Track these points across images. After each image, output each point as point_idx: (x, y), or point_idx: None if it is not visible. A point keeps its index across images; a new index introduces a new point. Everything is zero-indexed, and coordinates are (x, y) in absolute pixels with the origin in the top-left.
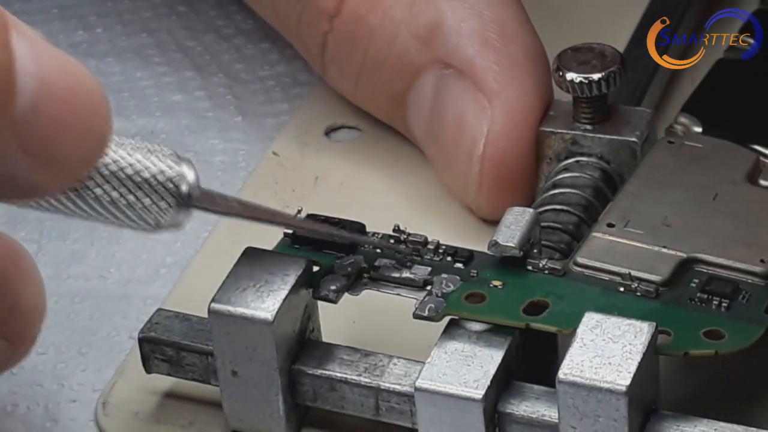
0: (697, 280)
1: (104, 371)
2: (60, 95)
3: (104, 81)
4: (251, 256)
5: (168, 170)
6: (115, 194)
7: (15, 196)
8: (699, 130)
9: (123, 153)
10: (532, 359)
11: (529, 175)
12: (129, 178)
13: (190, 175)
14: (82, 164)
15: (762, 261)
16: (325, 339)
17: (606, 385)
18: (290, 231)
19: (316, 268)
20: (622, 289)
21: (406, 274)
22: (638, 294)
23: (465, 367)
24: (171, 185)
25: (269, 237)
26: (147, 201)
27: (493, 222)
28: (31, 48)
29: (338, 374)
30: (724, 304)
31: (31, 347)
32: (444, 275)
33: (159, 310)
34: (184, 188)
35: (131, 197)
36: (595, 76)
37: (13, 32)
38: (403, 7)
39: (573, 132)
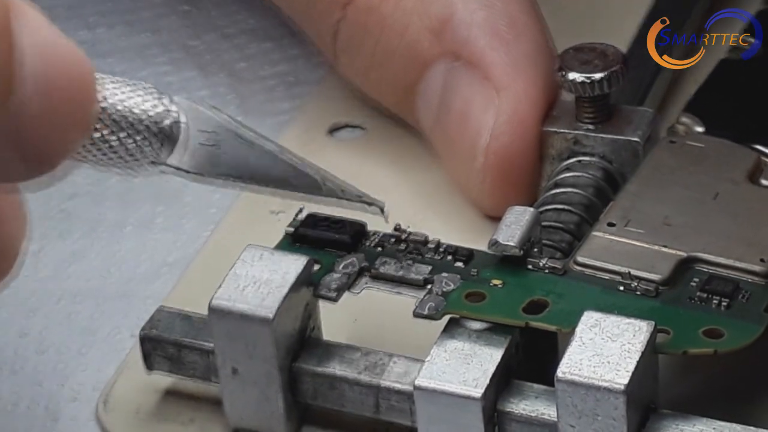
0: (697, 279)
1: (104, 371)
2: (57, 90)
3: None
4: (252, 254)
5: (152, 108)
6: (96, 135)
7: None
8: (701, 129)
9: (106, 94)
10: (532, 358)
11: (531, 172)
12: (114, 121)
13: (173, 110)
14: (65, 154)
15: (762, 260)
16: (325, 337)
17: (604, 384)
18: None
19: (316, 267)
20: (622, 288)
21: (406, 272)
22: (638, 293)
23: (464, 366)
24: (156, 123)
25: (271, 235)
26: (130, 141)
27: (497, 219)
28: (35, 37)
29: (338, 372)
30: (723, 303)
31: (14, 265)
32: (444, 274)
33: (160, 308)
34: (167, 123)
35: (113, 138)
36: (597, 76)
37: (15, 23)
38: None
39: (575, 132)
